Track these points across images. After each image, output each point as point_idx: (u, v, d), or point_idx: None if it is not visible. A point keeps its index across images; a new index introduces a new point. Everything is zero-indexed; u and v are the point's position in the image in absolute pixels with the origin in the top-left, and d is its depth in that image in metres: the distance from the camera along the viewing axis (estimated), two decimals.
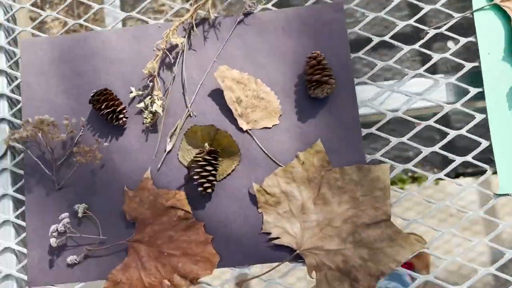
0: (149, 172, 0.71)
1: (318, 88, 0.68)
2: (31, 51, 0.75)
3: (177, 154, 0.71)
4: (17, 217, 0.72)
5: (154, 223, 0.69)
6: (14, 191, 0.73)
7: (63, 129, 0.71)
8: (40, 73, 0.74)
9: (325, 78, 0.68)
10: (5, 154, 0.73)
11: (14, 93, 0.76)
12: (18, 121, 0.75)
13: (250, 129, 0.71)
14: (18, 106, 0.75)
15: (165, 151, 0.72)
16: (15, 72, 0.76)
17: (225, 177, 0.71)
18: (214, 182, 0.69)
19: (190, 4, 0.74)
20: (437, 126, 0.72)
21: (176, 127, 0.72)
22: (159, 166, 0.71)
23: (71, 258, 0.68)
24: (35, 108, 0.73)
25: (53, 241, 0.67)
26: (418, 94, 0.72)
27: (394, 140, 0.72)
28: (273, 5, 0.76)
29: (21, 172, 0.73)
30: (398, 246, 0.67)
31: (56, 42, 0.75)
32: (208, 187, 0.68)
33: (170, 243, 0.68)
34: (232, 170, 0.71)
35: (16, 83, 0.76)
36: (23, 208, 0.73)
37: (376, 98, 0.74)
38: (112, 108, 0.69)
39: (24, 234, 0.72)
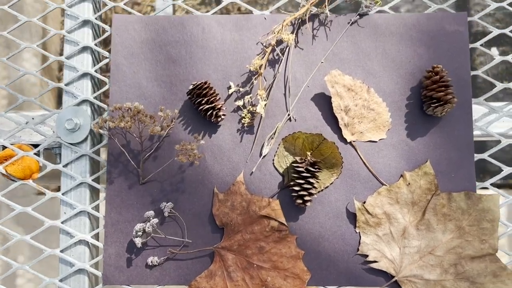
0: (242, 175, 0.66)
1: (438, 106, 0.63)
2: (123, 29, 0.69)
3: (273, 160, 0.66)
4: (93, 208, 0.67)
5: (245, 231, 0.64)
6: (92, 180, 0.68)
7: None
8: (130, 54, 0.68)
9: (448, 96, 0.62)
10: (85, 139, 0.68)
11: (97, 73, 0.70)
12: (102, 104, 0.69)
13: (354, 141, 0.66)
14: (103, 89, 0.69)
15: (261, 155, 0.66)
16: (102, 51, 0.70)
17: (322, 190, 0.66)
18: (315, 196, 0.64)
19: None
20: None
21: (275, 131, 0.66)
22: (253, 170, 0.66)
23: (152, 259, 0.64)
24: (123, 93, 0.68)
25: (137, 241, 0.62)
26: None
27: (506, 169, 0.67)
28: (390, 8, 0.70)
29: (100, 159, 0.68)
30: (501, 283, 0.63)
31: (151, 22, 0.69)
32: (308, 201, 0.63)
33: (260, 255, 0.64)
34: (331, 183, 0.66)
35: (102, 63, 0.70)
36: (99, 200, 0.68)
37: (483, 119, 0.68)
38: (213, 104, 0.64)
39: (99, 228, 0.67)
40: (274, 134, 0.66)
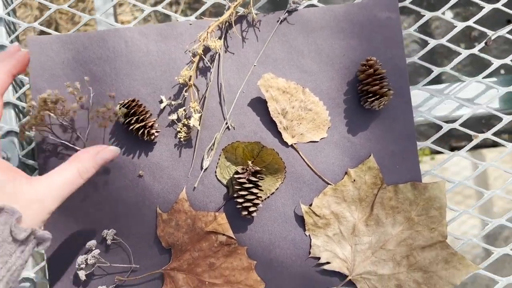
0: (185, 191, 0.63)
1: (375, 100, 0.61)
2: (40, 51, 0.64)
3: (215, 172, 0.64)
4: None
5: (193, 249, 0.63)
6: None
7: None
8: (52, 77, 0.64)
9: (383, 89, 0.61)
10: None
11: (21, 101, 0.66)
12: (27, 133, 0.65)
13: (295, 143, 0.64)
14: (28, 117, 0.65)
15: (202, 168, 0.64)
16: (22, 77, 0.66)
17: (268, 197, 0.64)
18: (260, 205, 0.62)
19: None
20: (495, 139, 0.67)
21: (214, 142, 0.64)
22: (195, 184, 0.64)
23: None
24: None
25: (81, 274, 0.60)
26: (470, 101, 0.67)
27: (450, 154, 0.66)
28: (319, 1, 0.67)
29: None
30: (453, 268, 0.63)
31: (69, 40, 0.65)
32: (253, 211, 0.61)
33: (211, 271, 0.62)
34: (276, 189, 0.64)
35: (23, 90, 0.66)
36: None
37: (424, 104, 0.67)
38: (143, 122, 0.61)
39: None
40: (214, 145, 0.64)
